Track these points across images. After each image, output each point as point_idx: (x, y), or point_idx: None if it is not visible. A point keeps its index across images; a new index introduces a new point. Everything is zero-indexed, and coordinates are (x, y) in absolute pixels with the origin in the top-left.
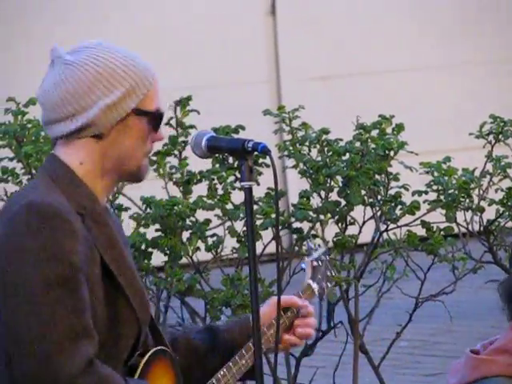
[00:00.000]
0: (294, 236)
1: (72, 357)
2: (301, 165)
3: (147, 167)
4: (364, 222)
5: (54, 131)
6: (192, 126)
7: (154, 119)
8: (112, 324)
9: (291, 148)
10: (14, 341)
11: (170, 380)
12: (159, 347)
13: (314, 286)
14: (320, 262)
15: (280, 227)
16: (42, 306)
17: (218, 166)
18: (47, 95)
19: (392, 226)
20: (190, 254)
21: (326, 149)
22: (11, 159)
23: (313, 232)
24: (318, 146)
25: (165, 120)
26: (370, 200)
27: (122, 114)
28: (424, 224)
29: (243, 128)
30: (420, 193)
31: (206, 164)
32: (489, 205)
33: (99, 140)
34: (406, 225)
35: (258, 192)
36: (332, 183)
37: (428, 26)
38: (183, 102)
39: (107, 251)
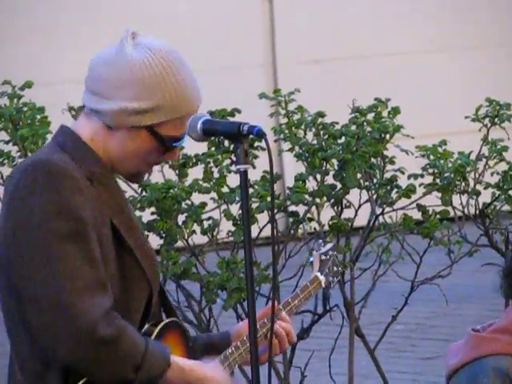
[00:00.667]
0: (290, 219)
1: (90, 306)
2: (296, 148)
3: (142, 177)
4: (360, 206)
5: (84, 97)
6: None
7: (164, 145)
8: (123, 284)
9: (287, 131)
10: (31, 299)
11: (182, 352)
12: (172, 319)
13: (322, 278)
14: (328, 256)
15: (276, 210)
16: (56, 261)
17: (213, 149)
18: (97, 65)
19: (388, 209)
20: (186, 237)
21: (321, 132)
22: (7, 142)
23: (308, 215)
24: (313, 130)
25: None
26: (366, 183)
27: (135, 123)
28: (420, 207)
29: (239, 111)
30: (416, 176)
31: (202, 147)
32: (484, 188)
33: (108, 131)
34: (402, 208)
35: (254, 175)
36: (328, 166)
37: (424, 10)
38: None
39: (116, 215)
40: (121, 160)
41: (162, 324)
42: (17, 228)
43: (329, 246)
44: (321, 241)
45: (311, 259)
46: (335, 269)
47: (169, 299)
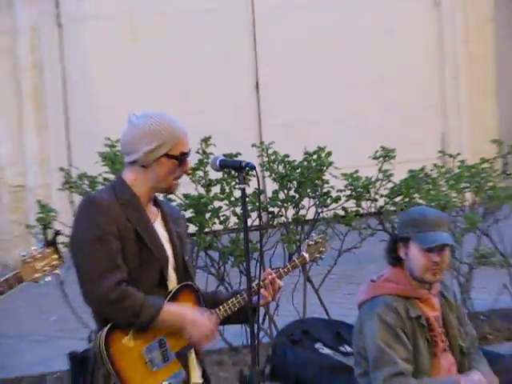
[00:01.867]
0: (269, 215)
1: (107, 280)
2: (273, 175)
3: (177, 186)
4: (309, 207)
5: (124, 159)
6: (211, 153)
7: (179, 160)
8: (140, 266)
9: (268, 165)
10: (79, 278)
11: (194, 303)
12: (188, 282)
13: (306, 255)
14: (314, 243)
15: (261, 210)
16: (88, 254)
17: (225, 175)
18: (121, 138)
19: (325, 209)
20: (210, 225)
21: (287, 166)
22: (108, 173)
23: (280, 213)
24: (282, 164)
25: (193, 150)
26: (312, 195)
27: (156, 156)
28: (343, 208)
29: (240, 154)
30: (341, 190)
31: (219, 175)
32: (380, 197)
33: (144, 169)
34: (334, 209)
35: (248, 191)
36: (290, 185)
37: None
38: (206, 140)
39: (139, 225)
40: (159, 182)
41: (180, 285)
42: (72, 237)
43: (317, 237)
44: (314, 235)
45: (302, 247)
46: (322, 249)
47: (189, 271)
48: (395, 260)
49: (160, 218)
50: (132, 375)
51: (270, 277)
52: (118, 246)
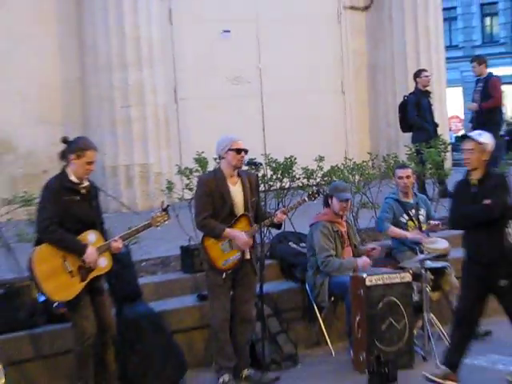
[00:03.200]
0: (269, 186)
1: (202, 214)
2: (270, 166)
3: (241, 164)
4: (286, 183)
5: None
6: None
7: (235, 151)
8: (221, 206)
9: (268, 162)
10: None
11: (247, 226)
12: (245, 213)
13: (306, 198)
14: (311, 195)
15: (266, 183)
16: (198, 200)
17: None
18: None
19: (293, 184)
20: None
21: (276, 164)
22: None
23: (273, 185)
24: (274, 163)
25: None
26: (288, 176)
27: (225, 150)
28: (302, 183)
29: (259, 162)
30: (300, 175)
31: (245, 168)
32: (318, 178)
33: (223, 159)
34: (297, 184)
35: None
36: (278, 172)
37: None
38: (254, 163)
39: (221, 188)
40: (232, 164)
41: (240, 214)
42: (195, 192)
43: (305, 196)
44: (305, 195)
45: (304, 197)
46: (316, 196)
47: (248, 208)
48: (327, 204)
49: (239, 182)
50: (215, 254)
51: (283, 209)
52: (210, 199)
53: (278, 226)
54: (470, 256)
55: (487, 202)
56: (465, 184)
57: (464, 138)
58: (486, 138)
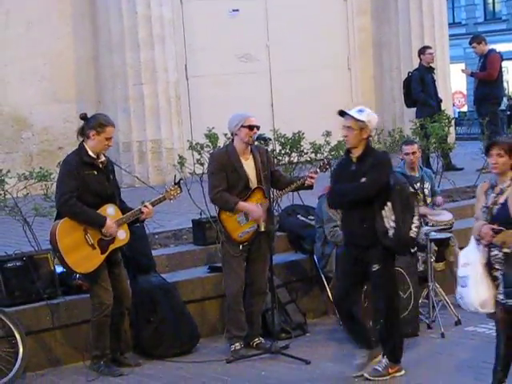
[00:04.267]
0: (278, 160)
1: (216, 188)
2: (279, 141)
3: (251, 140)
4: (295, 157)
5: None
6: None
7: (247, 128)
8: (237, 179)
9: (277, 137)
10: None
11: (262, 198)
12: (260, 185)
13: (317, 169)
14: (319, 167)
15: (274, 158)
16: (211, 175)
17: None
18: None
19: (301, 158)
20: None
21: (285, 139)
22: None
23: (282, 159)
24: (283, 138)
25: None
26: (296, 151)
27: (238, 127)
28: (310, 157)
29: (270, 138)
30: (308, 150)
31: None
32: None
33: (236, 135)
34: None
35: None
36: (286, 147)
37: None
38: (264, 138)
39: (234, 162)
40: (245, 141)
41: (255, 187)
42: (208, 167)
43: (320, 165)
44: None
45: (312, 169)
46: (328, 167)
47: (262, 180)
48: None
49: (251, 156)
50: (231, 226)
51: (312, 170)
52: (223, 174)
53: (311, 186)
54: (346, 240)
55: (363, 180)
56: (345, 162)
57: (342, 114)
58: (365, 115)
